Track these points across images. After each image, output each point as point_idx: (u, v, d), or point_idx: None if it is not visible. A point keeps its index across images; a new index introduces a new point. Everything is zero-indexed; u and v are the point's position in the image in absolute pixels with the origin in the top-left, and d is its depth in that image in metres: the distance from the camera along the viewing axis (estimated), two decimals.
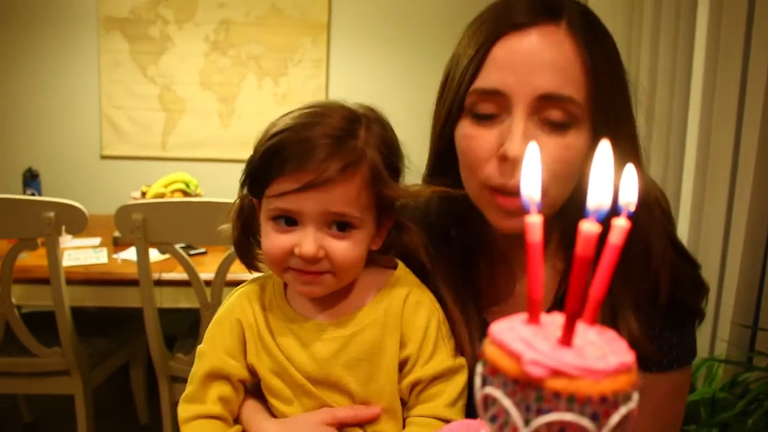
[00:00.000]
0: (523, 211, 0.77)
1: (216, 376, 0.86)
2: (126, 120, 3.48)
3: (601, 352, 0.37)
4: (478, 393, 0.39)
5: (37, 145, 3.44)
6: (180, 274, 2.15)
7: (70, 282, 2.17)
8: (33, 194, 2.83)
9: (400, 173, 0.85)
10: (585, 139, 0.77)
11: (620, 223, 0.36)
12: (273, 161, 0.78)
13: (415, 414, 0.83)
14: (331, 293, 0.86)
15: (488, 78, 0.77)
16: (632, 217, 0.38)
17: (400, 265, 0.89)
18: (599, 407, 0.36)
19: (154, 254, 2.17)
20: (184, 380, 0.93)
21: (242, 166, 0.84)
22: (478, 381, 0.39)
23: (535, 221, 0.38)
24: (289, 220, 0.80)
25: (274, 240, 0.81)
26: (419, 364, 0.83)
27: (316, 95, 3.47)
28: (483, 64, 0.78)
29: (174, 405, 2.22)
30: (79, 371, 2.21)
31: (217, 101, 3.50)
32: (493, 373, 0.38)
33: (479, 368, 0.39)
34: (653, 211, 0.85)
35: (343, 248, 0.80)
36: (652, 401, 0.86)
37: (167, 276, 2.22)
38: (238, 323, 0.88)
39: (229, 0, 3.41)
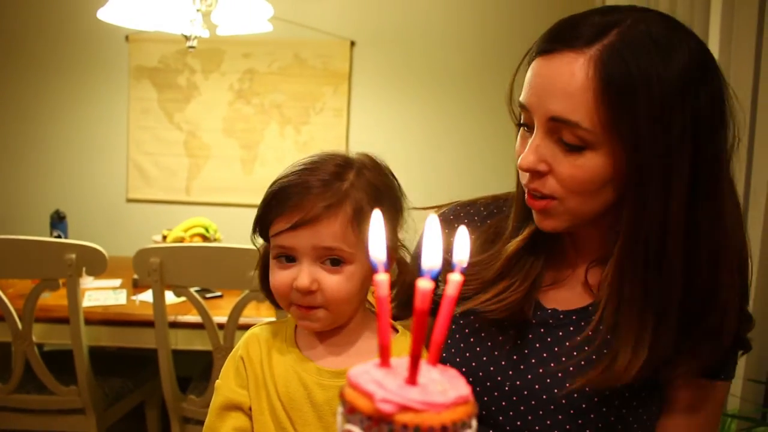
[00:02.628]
0: (550, 213, 0.86)
1: (230, 407, 0.94)
2: (152, 165, 3.59)
3: (442, 387, 0.44)
4: (340, 430, 0.45)
5: (65, 188, 3.57)
6: (195, 317, 2.19)
7: (89, 322, 2.22)
8: (59, 236, 2.91)
9: (395, 215, 0.94)
10: (604, 161, 0.81)
11: (454, 278, 0.44)
12: (272, 204, 0.90)
13: None
14: (337, 340, 0.94)
15: (523, 94, 0.86)
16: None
17: (399, 328, 0.97)
18: None
19: (171, 297, 2.22)
20: (197, 422, 1.00)
21: None
22: (339, 419, 0.45)
23: (381, 279, 0.44)
24: (289, 258, 0.90)
25: (277, 276, 0.91)
26: None
27: (336, 143, 3.56)
28: (525, 81, 0.86)
29: None
30: (94, 410, 2.25)
31: (240, 148, 3.60)
32: (351, 411, 0.44)
33: (340, 408, 0.45)
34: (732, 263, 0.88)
35: (335, 282, 0.89)
36: (711, 407, 0.95)
37: (182, 318, 2.26)
38: (241, 361, 0.96)
39: (254, 50, 3.53)
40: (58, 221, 2.97)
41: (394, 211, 0.94)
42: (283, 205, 0.88)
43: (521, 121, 0.88)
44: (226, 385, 0.95)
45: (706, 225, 0.83)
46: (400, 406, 0.42)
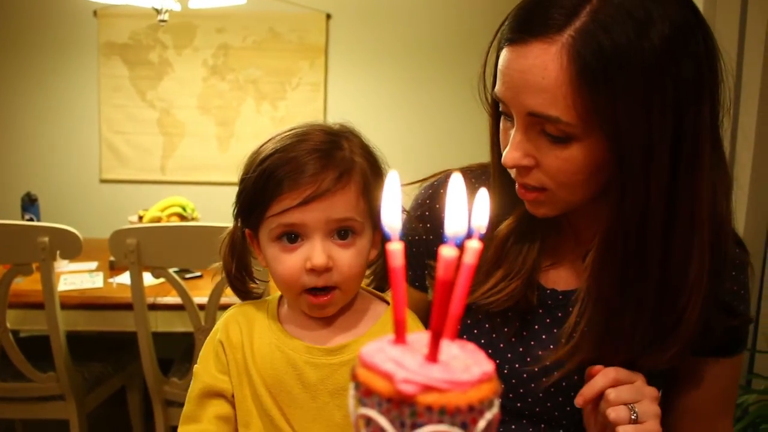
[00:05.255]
0: (541, 203, 0.82)
1: (211, 394, 0.88)
2: (125, 144, 3.50)
3: (465, 364, 0.40)
4: (353, 415, 0.41)
5: (36, 170, 3.47)
6: (174, 298, 2.15)
7: (65, 306, 2.16)
8: (31, 219, 2.83)
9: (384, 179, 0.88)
10: (590, 151, 0.76)
11: (473, 245, 0.40)
12: (268, 185, 0.82)
13: None
14: (328, 318, 0.88)
15: (497, 86, 0.81)
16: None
17: (389, 300, 0.92)
18: (467, 416, 0.39)
19: (150, 278, 2.17)
20: (180, 404, 0.94)
21: None
22: (352, 403, 0.41)
23: (396, 248, 0.40)
24: (292, 237, 0.83)
25: (284, 261, 0.84)
26: None
27: (314, 118, 3.47)
28: (498, 69, 0.80)
29: (169, 429, 2.21)
30: (74, 396, 2.20)
31: (216, 125, 3.52)
32: (368, 394, 0.40)
33: (352, 391, 0.41)
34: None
35: (349, 257, 0.84)
36: (721, 382, 0.95)
37: (162, 300, 2.21)
38: (220, 345, 0.90)
39: (228, 25, 3.45)
40: (29, 204, 2.90)
41: (384, 175, 0.89)
42: (283, 183, 0.81)
43: (501, 110, 0.83)
44: (205, 370, 0.90)
45: (685, 208, 0.78)
46: (423, 386, 0.38)
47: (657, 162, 0.75)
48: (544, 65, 0.74)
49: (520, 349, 0.91)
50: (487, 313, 0.91)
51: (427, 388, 0.38)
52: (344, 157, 0.83)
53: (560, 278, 0.93)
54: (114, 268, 2.52)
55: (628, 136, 0.74)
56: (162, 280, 2.13)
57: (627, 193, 0.77)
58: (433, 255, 0.97)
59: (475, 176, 0.99)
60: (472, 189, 1.00)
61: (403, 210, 0.89)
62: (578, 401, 0.82)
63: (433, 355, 0.40)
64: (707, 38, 0.77)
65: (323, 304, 0.85)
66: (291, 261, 0.83)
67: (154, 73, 3.47)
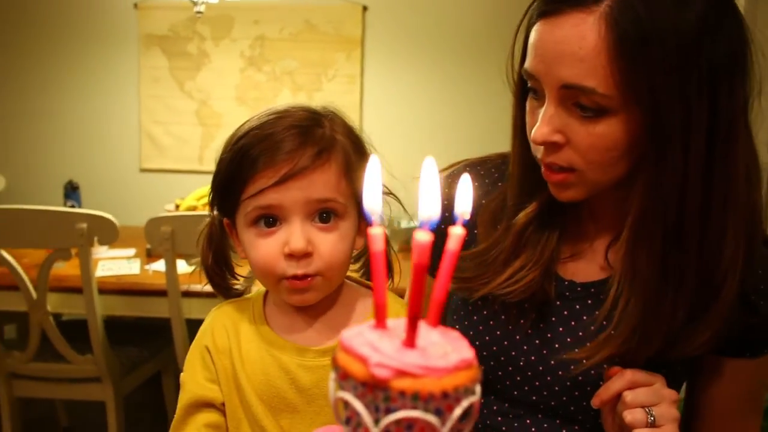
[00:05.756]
0: (568, 185, 0.79)
1: (199, 404, 0.84)
2: (164, 134, 3.57)
3: (443, 351, 0.40)
4: (332, 397, 0.41)
5: (78, 159, 3.56)
6: (208, 286, 2.18)
7: (103, 291, 2.23)
8: (73, 206, 2.92)
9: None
10: (624, 127, 0.75)
11: (456, 231, 0.40)
12: (242, 164, 0.77)
13: None
14: (316, 312, 0.83)
15: (528, 61, 0.80)
16: None
17: None
18: (442, 402, 0.38)
19: (184, 266, 2.21)
20: None
21: None
22: (331, 386, 0.41)
23: (377, 233, 0.40)
24: (269, 221, 0.78)
25: (260, 247, 0.78)
26: None
27: (350, 110, 3.48)
28: (529, 45, 0.80)
29: None
30: (111, 378, 2.27)
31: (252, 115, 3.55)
32: (344, 377, 0.40)
33: (332, 374, 0.41)
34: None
35: (331, 242, 0.78)
36: (746, 383, 0.91)
37: (196, 287, 2.25)
38: (206, 351, 0.85)
39: (264, 16, 3.48)
40: (71, 191, 2.98)
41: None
42: (258, 160, 0.76)
43: (530, 87, 0.81)
44: (192, 379, 0.84)
45: (721, 188, 0.77)
46: (397, 371, 0.38)
47: (695, 138, 0.75)
48: (581, 35, 0.74)
49: (537, 342, 0.90)
50: (504, 304, 0.89)
51: (401, 373, 0.38)
52: (324, 135, 0.78)
53: (579, 270, 0.91)
54: (150, 256, 2.57)
55: (667, 111, 0.73)
56: (195, 267, 2.17)
57: (665, 169, 0.75)
58: None
59: (494, 166, 0.98)
60: (491, 179, 0.99)
61: (390, 193, 0.84)
62: (595, 402, 0.82)
63: (410, 341, 0.39)
64: (739, 21, 0.77)
65: (303, 289, 0.78)
66: (268, 246, 0.77)
67: (192, 64, 3.52)
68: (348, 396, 0.40)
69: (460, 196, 0.42)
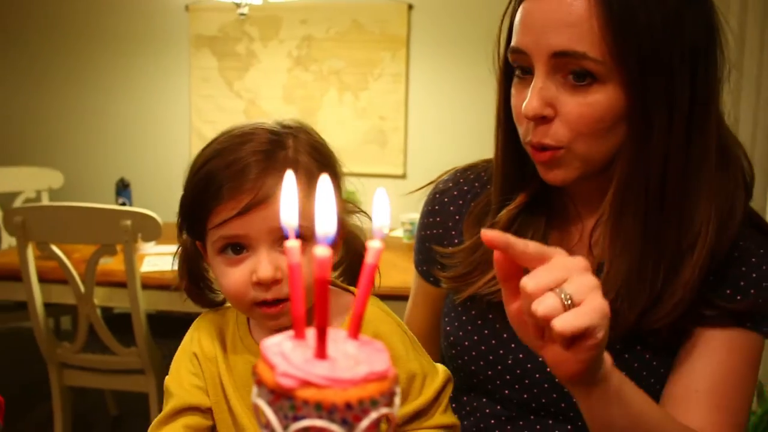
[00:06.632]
0: (557, 163, 0.79)
1: (185, 409, 0.83)
2: (214, 133, 3.54)
3: (355, 362, 0.40)
4: (253, 402, 0.42)
5: (130, 157, 3.68)
6: None
7: (147, 286, 2.29)
8: (124, 203, 3.01)
9: (339, 179, 0.83)
10: (613, 96, 0.76)
11: (375, 245, 0.41)
12: (206, 192, 0.75)
13: None
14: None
15: (515, 37, 0.81)
16: None
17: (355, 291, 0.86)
18: (347, 413, 0.39)
19: None
20: None
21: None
22: (254, 391, 0.42)
23: (293, 245, 0.41)
24: (236, 248, 0.77)
25: (229, 276, 0.77)
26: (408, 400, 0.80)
27: (395, 109, 3.52)
28: (515, 25, 0.82)
29: None
30: (153, 371, 2.33)
31: (300, 115, 3.59)
32: (260, 384, 0.41)
33: (255, 378, 0.43)
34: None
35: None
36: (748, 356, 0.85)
37: None
38: (194, 357, 0.85)
39: (311, 17, 3.52)
40: (122, 189, 3.07)
41: (338, 176, 0.82)
42: (222, 189, 0.74)
43: (517, 65, 0.82)
44: (180, 385, 0.83)
45: (696, 156, 0.79)
46: (302, 381, 0.39)
47: (678, 107, 0.77)
48: (569, 2, 0.75)
49: None
50: (491, 303, 0.89)
51: (305, 383, 0.39)
52: (287, 158, 0.76)
53: None
54: None
55: (653, 80, 0.75)
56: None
57: (650, 137, 0.77)
58: (444, 247, 0.97)
59: (483, 170, 1.00)
60: (480, 182, 0.99)
61: (360, 211, 0.83)
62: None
63: (320, 352, 0.40)
64: (711, 3, 0.80)
65: (276, 314, 0.77)
66: (236, 275, 0.76)
67: (241, 64, 3.60)
68: (261, 402, 0.41)
69: (378, 211, 0.42)
